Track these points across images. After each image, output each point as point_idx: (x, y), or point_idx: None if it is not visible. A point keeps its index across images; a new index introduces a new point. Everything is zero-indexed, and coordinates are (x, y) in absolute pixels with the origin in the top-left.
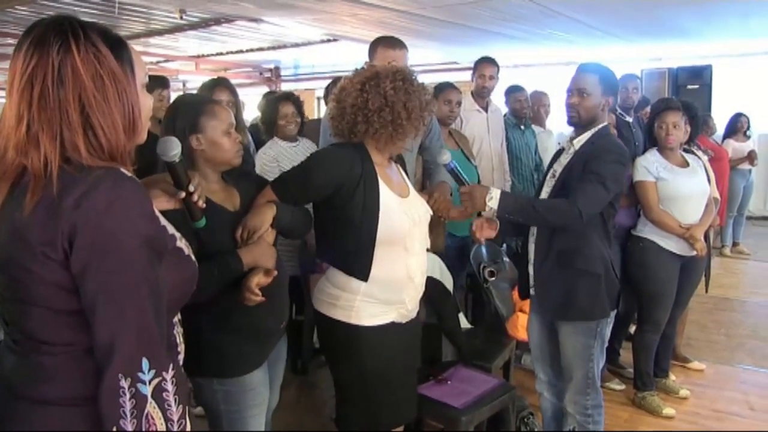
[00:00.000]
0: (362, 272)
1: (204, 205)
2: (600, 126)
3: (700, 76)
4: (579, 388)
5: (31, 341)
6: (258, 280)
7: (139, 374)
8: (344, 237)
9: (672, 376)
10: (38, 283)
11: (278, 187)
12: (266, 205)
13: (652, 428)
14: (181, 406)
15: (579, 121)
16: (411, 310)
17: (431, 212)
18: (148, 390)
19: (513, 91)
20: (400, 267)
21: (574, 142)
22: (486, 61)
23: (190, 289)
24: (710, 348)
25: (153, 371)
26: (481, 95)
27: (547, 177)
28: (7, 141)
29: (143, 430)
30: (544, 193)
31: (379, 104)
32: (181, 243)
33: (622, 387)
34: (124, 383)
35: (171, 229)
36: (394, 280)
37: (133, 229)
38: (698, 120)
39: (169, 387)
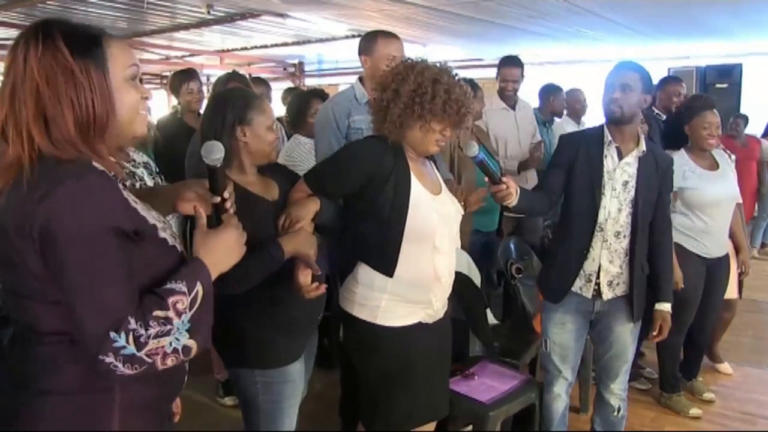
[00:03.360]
0: (388, 267)
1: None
2: (641, 130)
3: (730, 74)
4: (625, 378)
5: (30, 333)
6: (304, 279)
7: (115, 345)
8: (372, 230)
9: (699, 377)
10: (24, 274)
11: (312, 180)
12: (311, 198)
13: (679, 428)
14: (160, 312)
15: (621, 117)
16: (438, 311)
17: (462, 212)
18: (133, 349)
19: (553, 90)
20: (428, 265)
21: (634, 153)
22: (509, 64)
23: None
24: (738, 350)
25: (122, 333)
26: (506, 98)
27: (607, 186)
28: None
29: (154, 356)
30: (615, 206)
31: (408, 97)
32: (165, 234)
33: (648, 386)
34: (111, 359)
35: (152, 220)
36: (420, 279)
37: (99, 218)
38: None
39: (141, 330)
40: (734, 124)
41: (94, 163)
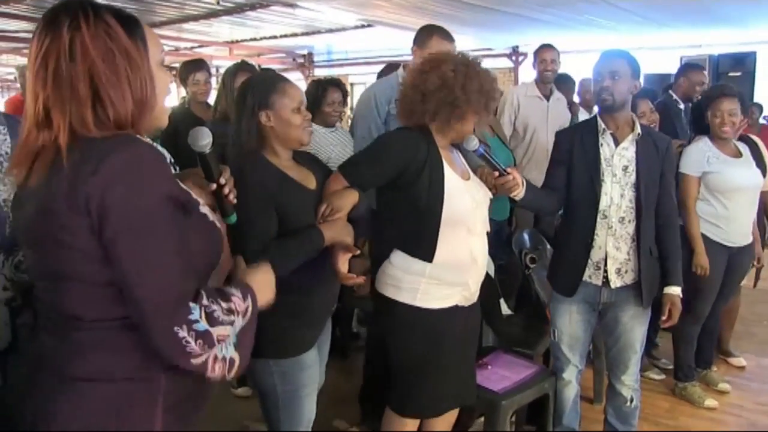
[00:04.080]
0: (427, 254)
1: (235, 201)
2: (633, 114)
3: (743, 63)
4: (636, 369)
5: (67, 319)
6: (343, 267)
7: (190, 317)
8: (409, 219)
9: (714, 368)
10: (70, 255)
11: (349, 172)
12: (351, 190)
13: (694, 419)
14: (226, 304)
15: (613, 104)
16: (474, 293)
17: (491, 195)
18: (204, 324)
19: (564, 80)
20: (464, 249)
21: (629, 137)
22: (546, 47)
23: (216, 256)
24: (752, 340)
25: (197, 307)
26: (545, 81)
27: (607, 173)
28: (29, 122)
29: (216, 345)
30: (617, 192)
31: (437, 85)
32: (205, 209)
33: (662, 377)
34: (183, 332)
35: (194, 195)
36: (458, 262)
37: (153, 186)
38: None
39: (213, 306)
40: (749, 113)
41: (137, 136)
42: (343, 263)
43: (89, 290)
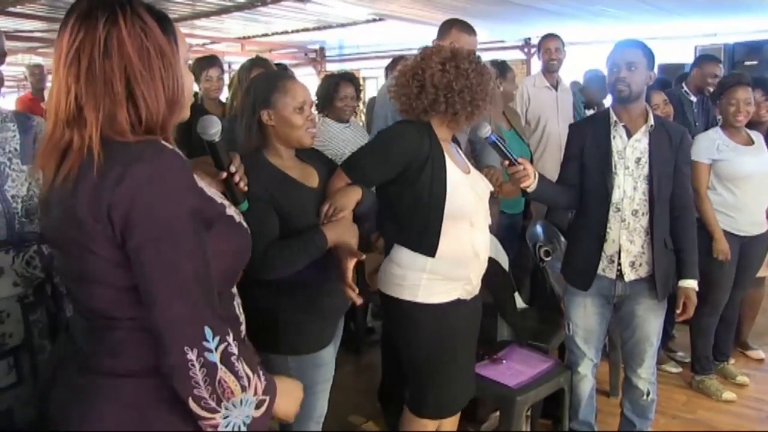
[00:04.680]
0: (430, 248)
1: (246, 188)
2: (647, 105)
3: (760, 51)
4: (652, 362)
5: (98, 318)
6: (349, 270)
7: (205, 343)
8: (412, 214)
9: (731, 360)
10: (95, 260)
11: (351, 169)
12: (353, 187)
13: (712, 412)
14: (248, 368)
15: (629, 95)
16: (476, 287)
17: (491, 188)
18: (216, 357)
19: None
20: (467, 243)
21: (642, 129)
22: (549, 36)
23: (244, 260)
24: None
25: (217, 338)
26: (551, 70)
27: (619, 165)
28: (57, 116)
29: (219, 394)
30: (630, 185)
31: (462, 85)
32: (231, 210)
33: (679, 370)
34: (192, 355)
35: (219, 198)
36: (460, 256)
37: (177, 199)
38: None
39: (235, 350)
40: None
41: (163, 142)
42: (348, 268)
43: (114, 293)
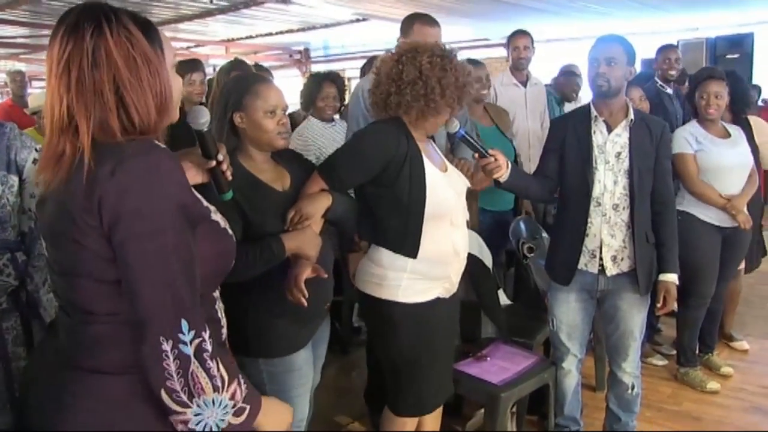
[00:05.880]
0: (412, 250)
1: (231, 178)
2: (627, 100)
3: (741, 44)
4: (636, 356)
5: (79, 312)
6: (299, 281)
7: (180, 335)
8: (392, 215)
9: (716, 352)
10: (83, 253)
11: (327, 172)
12: (323, 193)
13: (697, 404)
14: (225, 371)
15: (609, 91)
16: (455, 285)
17: (469, 184)
18: (190, 350)
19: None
20: (447, 242)
21: (623, 123)
22: (518, 34)
23: (227, 264)
24: (755, 323)
25: (192, 332)
26: (519, 68)
27: (599, 160)
28: (52, 125)
29: (191, 387)
30: (610, 179)
31: (413, 77)
32: (216, 216)
33: (665, 362)
34: (166, 346)
35: (205, 203)
36: (441, 256)
37: (167, 195)
38: (744, 91)
39: (209, 348)
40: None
41: (155, 142)
42: (300, 277)
43: (99, 287)
